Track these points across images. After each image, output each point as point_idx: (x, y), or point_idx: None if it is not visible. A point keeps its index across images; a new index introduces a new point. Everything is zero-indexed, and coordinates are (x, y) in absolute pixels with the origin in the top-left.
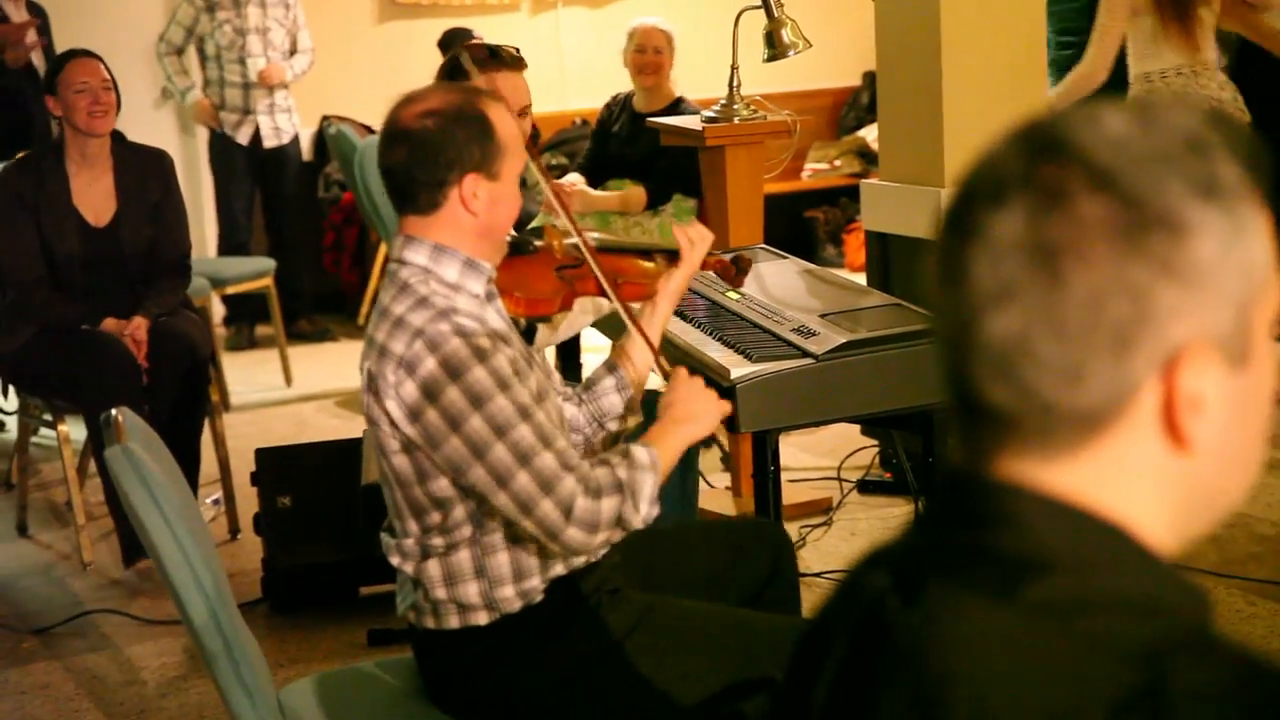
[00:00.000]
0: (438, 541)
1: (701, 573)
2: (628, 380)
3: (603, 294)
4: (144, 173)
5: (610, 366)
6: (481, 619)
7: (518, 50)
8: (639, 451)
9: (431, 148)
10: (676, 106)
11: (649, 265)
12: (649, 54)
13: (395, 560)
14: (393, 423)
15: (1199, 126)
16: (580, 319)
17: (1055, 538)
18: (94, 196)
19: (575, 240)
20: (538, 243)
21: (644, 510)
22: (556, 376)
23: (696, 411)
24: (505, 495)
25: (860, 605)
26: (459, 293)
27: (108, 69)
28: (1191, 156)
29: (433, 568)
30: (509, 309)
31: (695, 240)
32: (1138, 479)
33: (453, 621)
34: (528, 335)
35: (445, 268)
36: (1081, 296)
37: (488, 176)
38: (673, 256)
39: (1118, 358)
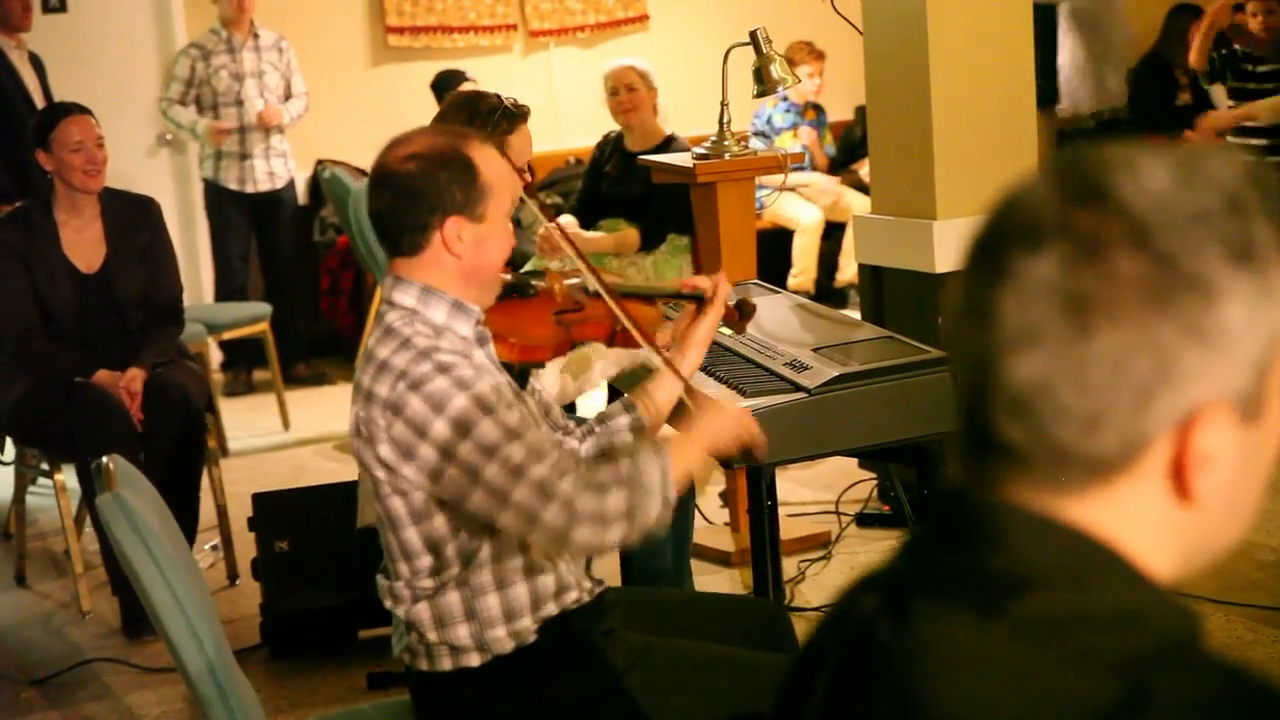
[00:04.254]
0: (428, 584)
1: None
2: (644, 421)
3: (610, 341)
4: (132, 219)
5: (628, 405)
6: (474, 660)
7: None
8: (645, 446)
9: (414, 191)
10: (668, 145)
11: (650, 310)
12: (622, 94)
13: (389, 603)
14: (386, 466)
15: (1240, 184)
16: (609, 369)
17: (1043, 555)
18: (83, 244)
19: (577, 282)
20: (538, 284)
21: (654, 503)
22: (557, 410)
23: (719, 424)
24: (508, 513)
25: (851, 627)
26: (444, 335)
27: (96, 122)
28: (1230, 217)
29: (423, 610)
30: (501, 354)
31: (718, 285)
32: (1141, 521)
33: (445, 663)
34: (520, 380)
35: (433, 310)
36: (1107, 351)
37: (471, 219)
38: (677, 301)
39: (1136, 411)
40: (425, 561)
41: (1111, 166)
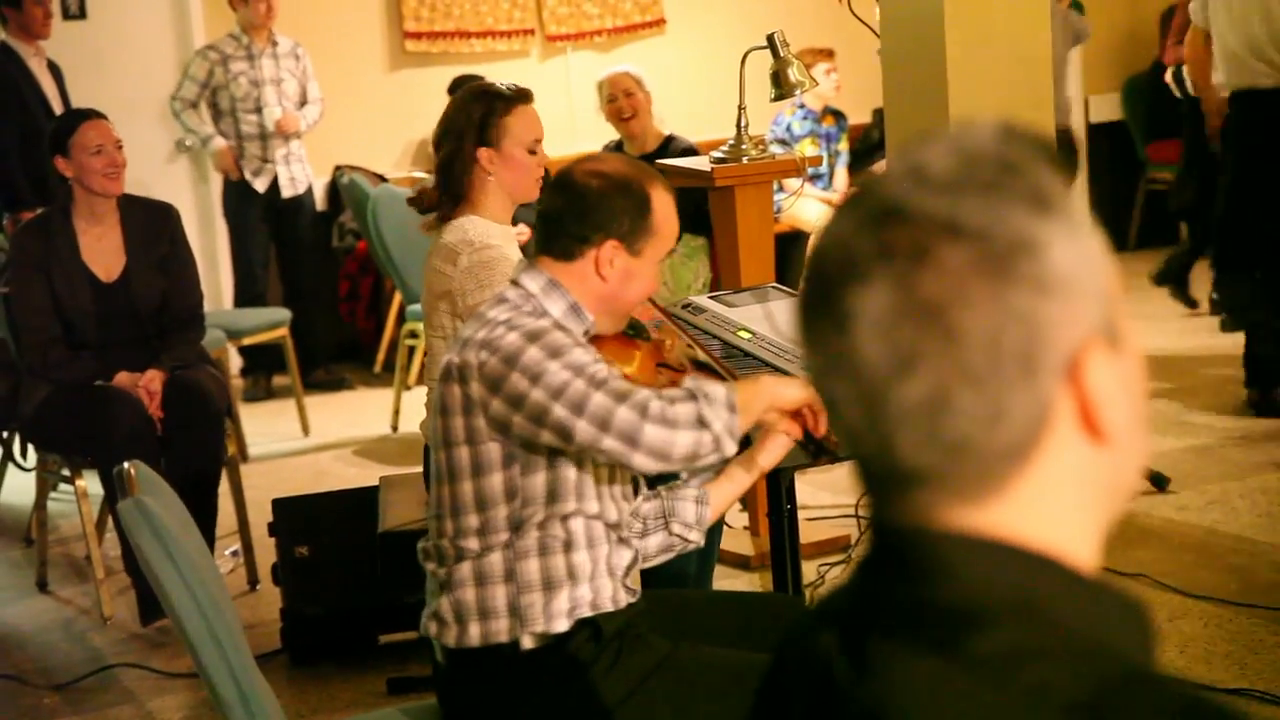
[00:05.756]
0: (473, 543)
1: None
2: (707, 497)
3: None
4: (151, 227)
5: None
6: (503, 633)
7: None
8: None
9: (587, 204)
10: (668, 145)
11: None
12: (621, 100)
13: (432, 565)
14: (468, 408)
15: (1000, 145)
16: None
17: (990, 584)
18: (103, 252)
19: (691, 350)
20: (654, 334)
21: (722, 415)
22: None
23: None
24: (583, 420)
25: (813, 668)
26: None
27: (113, 126)
28: (1011, 175)
29: (465, 568)
30: None
31: (816, 406)
32: (1063, 494)
33: (474, 631)
34: None
35: (552, 302)
36: (980, 339)
37: (629, 250)
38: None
39: (1029, 383)
40: (473, 521)
41: (899, 183)
